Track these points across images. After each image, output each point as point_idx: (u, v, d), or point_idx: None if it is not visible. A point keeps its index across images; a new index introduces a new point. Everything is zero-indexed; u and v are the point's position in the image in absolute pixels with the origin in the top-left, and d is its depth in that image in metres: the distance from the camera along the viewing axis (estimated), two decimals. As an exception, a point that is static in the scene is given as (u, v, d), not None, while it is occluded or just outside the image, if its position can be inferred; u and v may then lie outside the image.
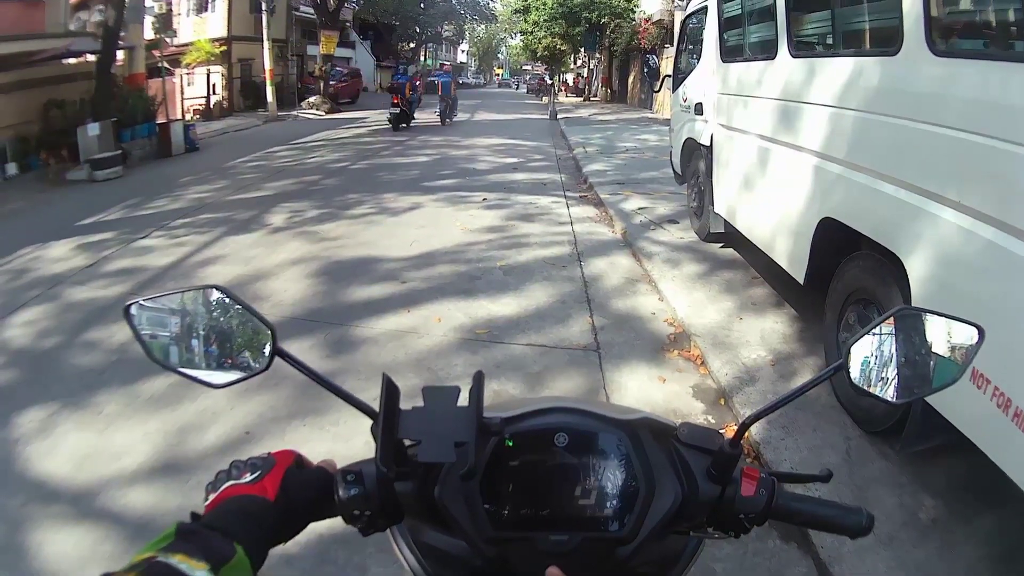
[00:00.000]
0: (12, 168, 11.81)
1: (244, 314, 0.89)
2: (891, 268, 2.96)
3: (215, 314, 0.89)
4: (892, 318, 0.91)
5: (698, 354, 4.26)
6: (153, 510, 2.86)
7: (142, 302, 0.88)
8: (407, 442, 0.80)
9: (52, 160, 11.91)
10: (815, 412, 3.41)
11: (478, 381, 0.77)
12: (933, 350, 0.90)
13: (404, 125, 18.77)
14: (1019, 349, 2.13)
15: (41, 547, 2.68)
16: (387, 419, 0.75)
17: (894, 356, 0.91)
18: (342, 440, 3.26)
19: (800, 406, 3.40)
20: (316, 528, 0.87)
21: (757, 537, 2.65)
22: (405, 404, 0.78)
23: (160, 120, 14.73)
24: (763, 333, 4.45)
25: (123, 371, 4.01)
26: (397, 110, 18.31)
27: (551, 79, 36.09)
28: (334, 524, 0.86)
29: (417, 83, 21.14)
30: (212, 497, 0.79)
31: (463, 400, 0.77)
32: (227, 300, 0.89)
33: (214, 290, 0.89)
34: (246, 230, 7.60)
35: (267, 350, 0.87)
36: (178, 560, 0.64)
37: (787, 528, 2.68)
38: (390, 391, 0.75)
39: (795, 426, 3.30)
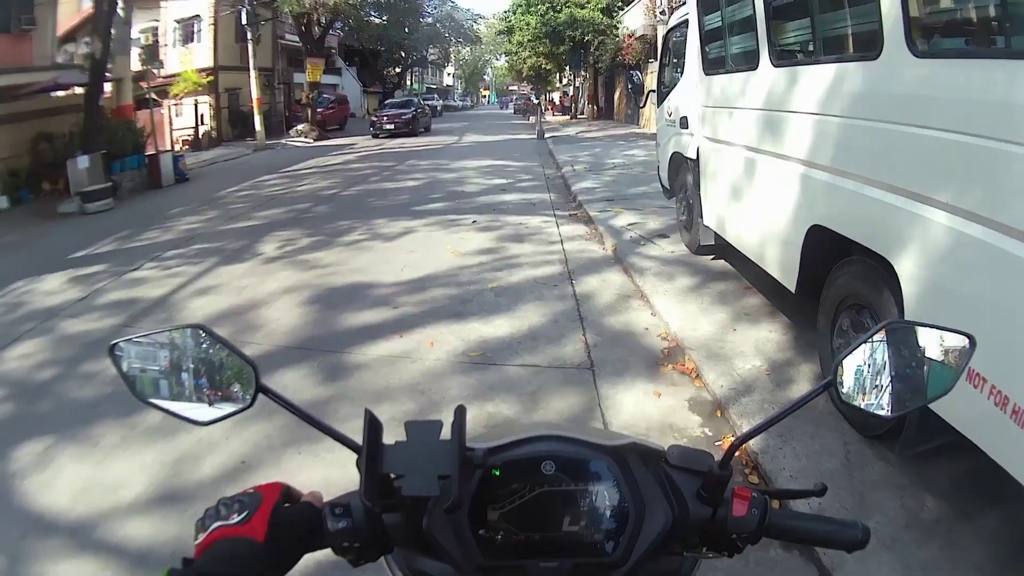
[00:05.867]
0: (3, 202, 11.85)
1: (227, 352, 0.90)
2: (882, 272, 2.96)
3: (199, 352, 0.91)
4: (882, 331, 0.92)
5: (693, 367, 4.25)
6: (152, 541, 2.85)
7: (129, 339, 0.90)
8: (392, 474, 0.80)
9: (53, 187, 11.93)
10: (812, 419, 3.40)
11: (460, 415, 0.77)
12: (925, 360, 0.90)
13: None
14: (1015, 346, 2.13)
15: (40, 581, 2.65)
16: (370, 453, 0.75)
17: (886, 369, 0.91)
18: (338, 466, 3.22)
19: (797, 414, 3.32)
20: (313, 555, 0.86)
21: (758, 547, 2.62)
22: (394, 435, 0.78)
23: (149, 151, 14.82)
24: (757, 343, 4.45)
25: (118, 403, 3.97)
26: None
27: (537, 99, 36.27)
28: (330, 551, 0.86)
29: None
30: (202, 538, 0.78)
31: (446, 433, 0.77)
32: (210, 339, 0.90)
33: (197, 330, 0.91)
34: (238, 260, 7.60)
35: (251, 387, 0.89)
36: None
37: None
38: (372, 425, 0.76)
39: (793, 434, 3.29)
